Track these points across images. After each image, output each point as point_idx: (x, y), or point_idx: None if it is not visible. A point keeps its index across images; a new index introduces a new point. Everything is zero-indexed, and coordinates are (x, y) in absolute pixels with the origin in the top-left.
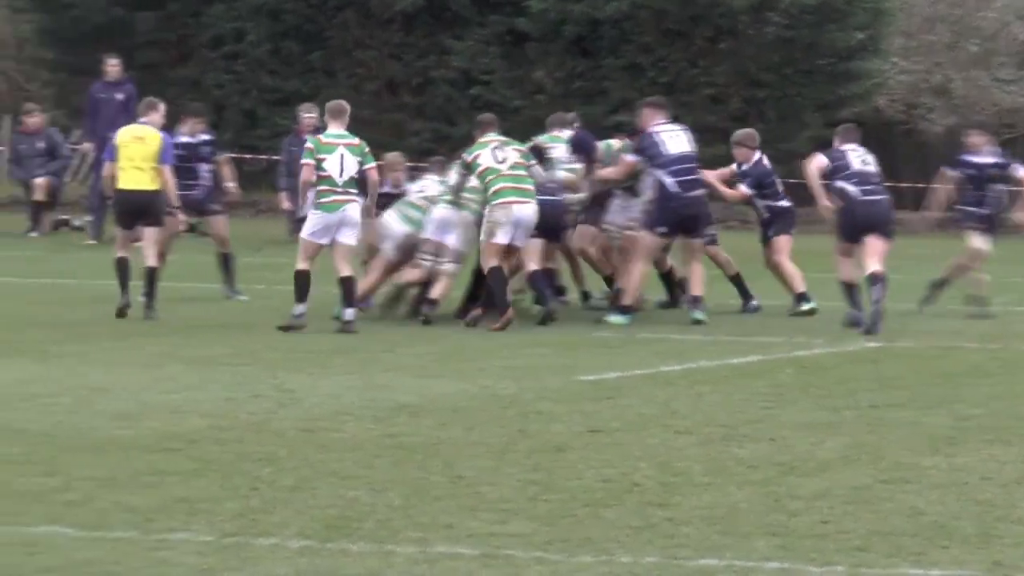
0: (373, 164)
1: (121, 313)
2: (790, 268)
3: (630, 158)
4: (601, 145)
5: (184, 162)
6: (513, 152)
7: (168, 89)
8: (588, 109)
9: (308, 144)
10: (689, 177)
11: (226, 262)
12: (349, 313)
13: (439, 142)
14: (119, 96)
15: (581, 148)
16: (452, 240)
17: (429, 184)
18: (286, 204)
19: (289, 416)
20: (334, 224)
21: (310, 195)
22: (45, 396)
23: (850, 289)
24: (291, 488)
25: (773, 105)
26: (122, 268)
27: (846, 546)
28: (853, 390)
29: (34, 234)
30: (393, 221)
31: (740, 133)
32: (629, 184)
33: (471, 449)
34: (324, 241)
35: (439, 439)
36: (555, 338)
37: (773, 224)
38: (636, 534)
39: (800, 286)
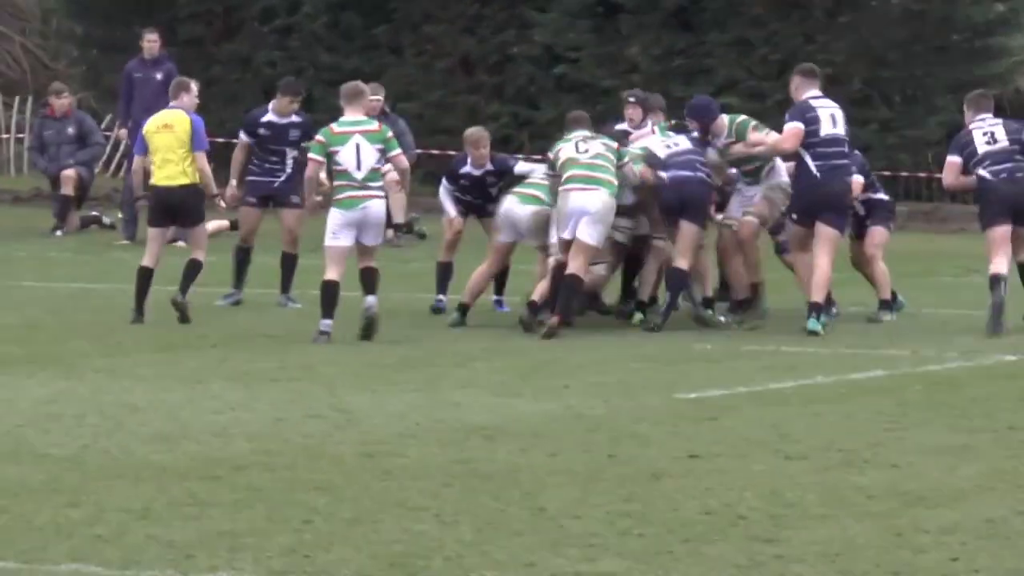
0: (398, 151)
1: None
2: (881, 267)
3: (798, 125)
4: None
5: (268, 144)
6: (600, 145)
7: (213, 67)
8: (689, 90)
9: (318, 136)
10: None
11: (287, 263)
12: (371, 300)
13: (520, 128)
14: (158, 76)
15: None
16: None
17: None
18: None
19: (347, 439)
20: (355, 223)
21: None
22: (72, 416)
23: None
24: (349, 521)
25: (899, 87)
26: (142, 280)
27: None
28: (990, 409)
29: (60, 233)
30: (513, 204)
31: None
32: (755, 168)
33: (554, 477)
34: (348, 243)
35: (518, 465)
36: (651, 351)
37: (870, 217)
38: (742, 573)
39: (886, 292)
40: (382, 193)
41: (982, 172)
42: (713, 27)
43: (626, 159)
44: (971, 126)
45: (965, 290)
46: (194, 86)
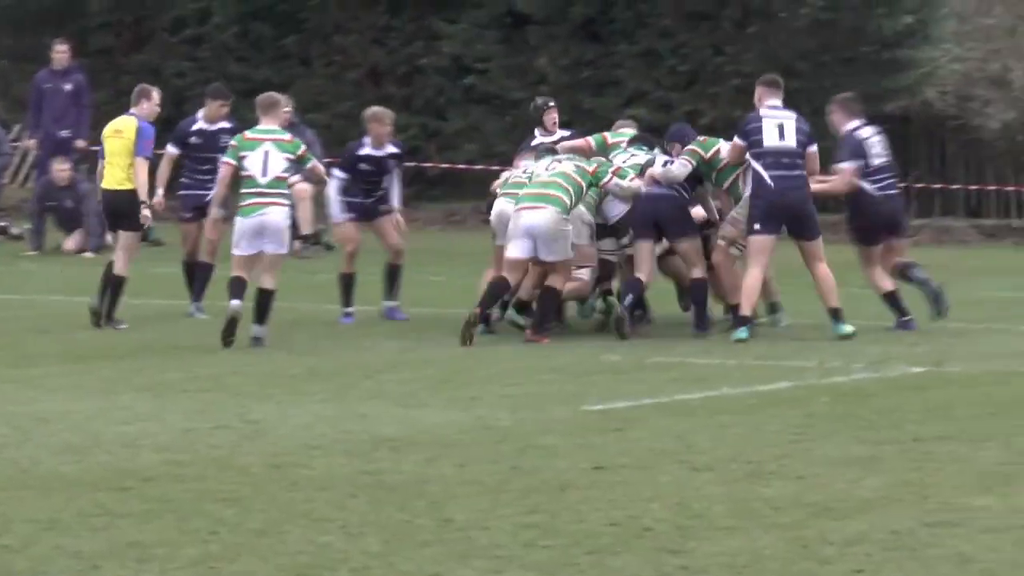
0: (314, 161)
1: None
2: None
3: (739, 141)
4: (592, 139)
5: (199, 153)
6: (570, 165)
7: (122, 78)
8: (598, 101)
9: (232, 142)
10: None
11: (198, 271)
12: (258, 330)
13: (429, 139)
14: (67, 86)
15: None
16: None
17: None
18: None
19: (255, 450)
20: (252, 231)
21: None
22: None
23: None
24: (257, 532)
25: (808, 98)
26: (187, 272)
27: None
28: (896, 421)
29: None
30: (508, 207)
31: None
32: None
33: (461, 488)
34: (249, 252)
35: (425, 477)
36: (560, 363)
37: None
38: None
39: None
40: (285, 201)
41: (756, 166)
42: (622, 38)
43: (607, 177)
44: (762, 112)
45: (872, 301)
46: (155, 94)
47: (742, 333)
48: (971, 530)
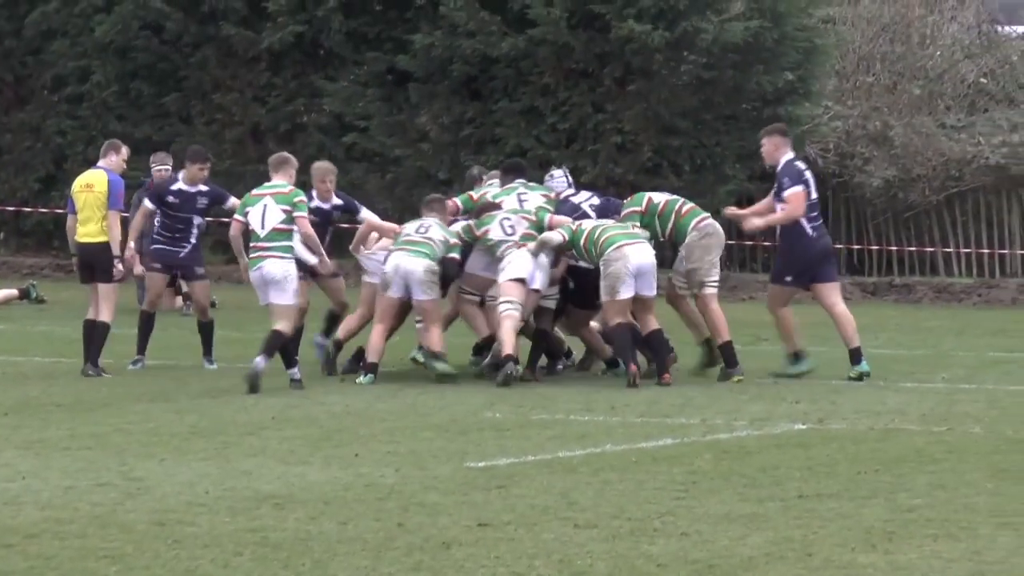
0: (303, 213)
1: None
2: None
3: (800, 189)
4: (458, 200)
5: (176, 212)
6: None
7: (3, 136)
8: (479, 159)
9: (240, 200)
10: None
11: (204, 330)
12: (257, 360)
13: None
14: None
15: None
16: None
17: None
18: (138, 269)
19: (137, 508)
20: (257, 283)
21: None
22: None
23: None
24: None
25: (688, 155)
26: (88, 332)
27: None
28: (779, 478)
29: None
30: (403, 259)
31: None
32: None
33: (345, 546)
34: (264, 303)
35: (308, 534)
36: (442, 420)
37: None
38: None
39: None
40: (283, 253)
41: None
42: (503, 96)
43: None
44: (798, 163)
45: (755, 358)
46: (124, 150)
47: (804, 366)
48: None
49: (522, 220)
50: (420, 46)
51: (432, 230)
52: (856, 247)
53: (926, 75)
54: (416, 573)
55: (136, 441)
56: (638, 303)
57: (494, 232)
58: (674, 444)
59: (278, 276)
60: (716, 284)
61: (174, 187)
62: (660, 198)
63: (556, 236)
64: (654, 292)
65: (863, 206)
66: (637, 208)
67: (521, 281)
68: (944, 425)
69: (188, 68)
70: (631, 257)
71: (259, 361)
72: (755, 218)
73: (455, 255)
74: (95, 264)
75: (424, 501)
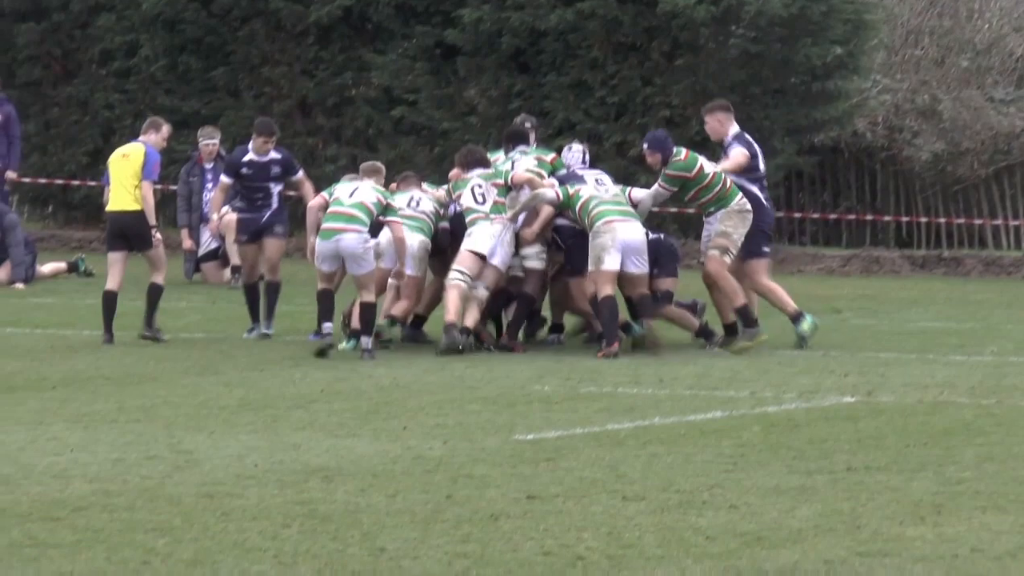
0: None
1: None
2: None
3: (745, 150)
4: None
5: (251, 182)
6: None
7: (51, 110)
8: None
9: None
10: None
11: (269, 291)
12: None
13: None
14: None
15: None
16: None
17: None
18: (187, 243)
19: (186, 480)
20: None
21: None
22: None
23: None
24: (188, 562)
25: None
26: (108, 302)
27: None
28: (828, 451)
29: None
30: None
31: None
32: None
33: (393, 518)
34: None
35: (357, 506)
36: (490, 393)
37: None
38: None
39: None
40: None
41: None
42: (551, 69)
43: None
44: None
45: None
46: (165, 128)
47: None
48: (904, 560)
49: (492, 188)
50: (469, 20)
51: (423, 203)
52: (905, 220)
53: (974, 48)
54: (464, 545)
55: (184, 414)
56: (626, 280)
57: (466, 199)
58: (723, 417)
59: (359, 249)
60: (731, 256)
61: (245, 159)
62: (710, 168)
63: (550, 193)
64: (640, 270)
65: (912, 180)
66: (686, 173)
67: (480, 256)
68: (993, 398)
69: (236, 42)
70: (619, 232)
71: (365, 341)
72: None
73: (444, 224)
74: (128, 233)
75: (472, 473)
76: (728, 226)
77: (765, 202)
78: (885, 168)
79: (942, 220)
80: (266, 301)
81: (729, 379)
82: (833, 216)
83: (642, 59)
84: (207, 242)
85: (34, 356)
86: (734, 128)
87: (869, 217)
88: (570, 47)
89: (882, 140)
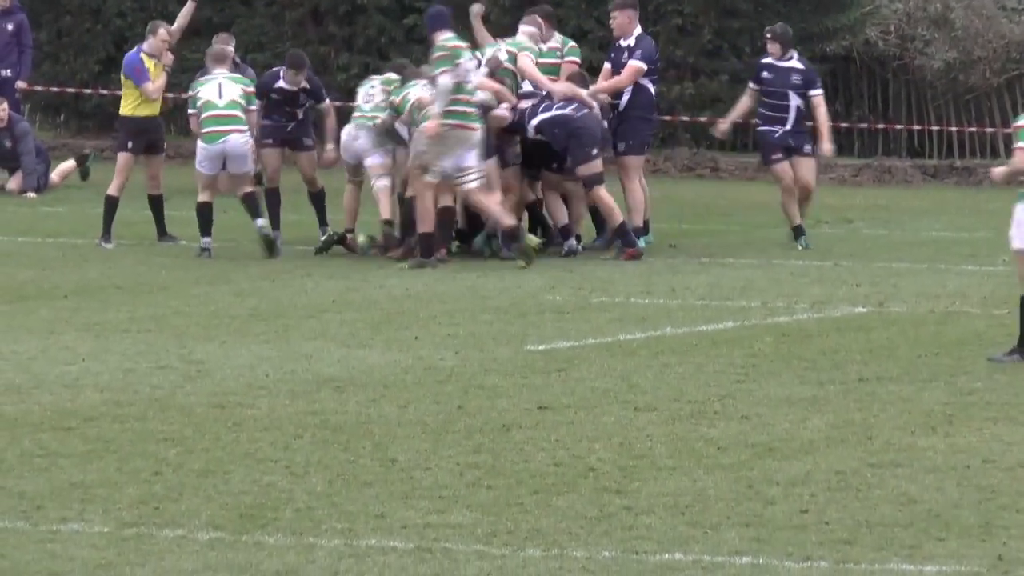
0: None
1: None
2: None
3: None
4: None
5: (282, 106)
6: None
7: (64, 18)
8: None
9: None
10: None
11: (315, 201)
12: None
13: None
14: (8, 26)
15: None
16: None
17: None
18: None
19: (197, 391)
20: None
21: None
22: None
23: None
24: (199, 472)
25: (749, 38)
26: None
27: (829, 538)
28: (840, 362)
29: None
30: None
31: None
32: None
33: (404, 429)
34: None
35: (368, 417)
36: (502, 303)
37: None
38: (591, 525)
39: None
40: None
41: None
42: None
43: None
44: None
45: (816, 240)
46: (162, 30)
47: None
48: (915, 470)
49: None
50: None
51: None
52: (916, 129)
53: None
54: (476, 456)
55: (196, 324)
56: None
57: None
58: (734, 327)
59: (243, 149)
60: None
61: (276, 85)
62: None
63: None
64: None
65: (923, 88)
66: None
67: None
68: (1005, 308)
69: None
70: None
71: (261, 223)
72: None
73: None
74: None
75: (484, 384)
76: None
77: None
78: (897, 77)
79: (954, 129)
80: (316, 210)
81: (741, 289)
82: (845, 125)
83: None
84: None
85: (45, 265)
86: (638, 29)
87: (881, 126)
88: None
89: (894, 49)
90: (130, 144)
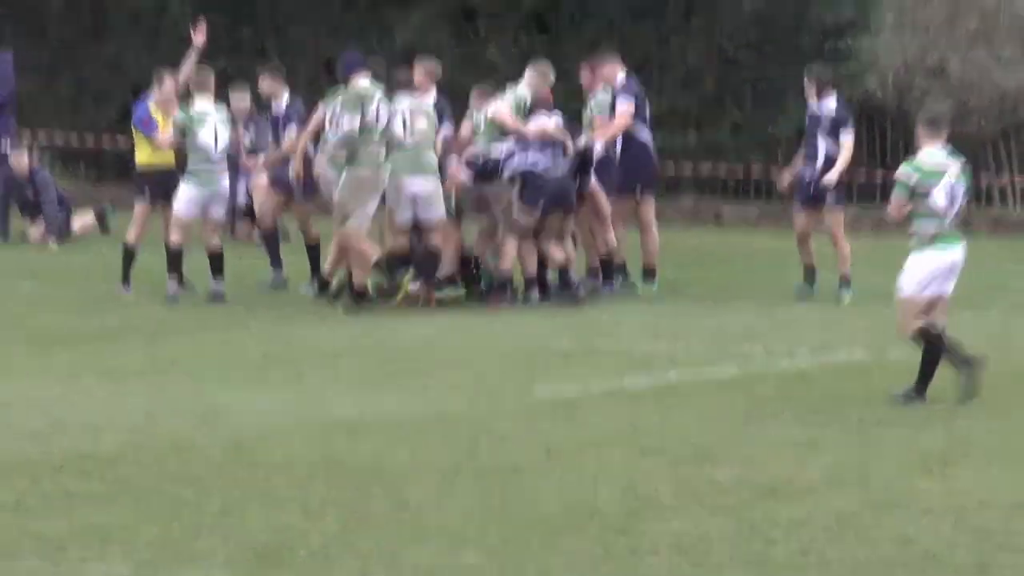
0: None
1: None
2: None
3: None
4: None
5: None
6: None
7: (84, 68)
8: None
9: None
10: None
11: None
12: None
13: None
14: None
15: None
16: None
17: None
18: None
19: (214, 433)
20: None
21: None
22: None
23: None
24: (216, 513)
25: (750, 88)
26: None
27: None
28: (839, 406)
29: None
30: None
31: None
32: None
33: (416, 471)
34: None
35: (381, 460)
36: (510, 348)
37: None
38: (597, 565)
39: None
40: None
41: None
42: (570, 29)
43: None
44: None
45: (824, 283)
46: (168, 82)
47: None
48: (913, 512)
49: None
50: None
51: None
52: None
53: (982, 10)
54: (486, 498)
55: (213, 368)
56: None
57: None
58: (737, 372)
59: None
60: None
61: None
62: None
63: None
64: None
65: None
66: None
67: None
68: (1000, 354)
69: (262, 2)
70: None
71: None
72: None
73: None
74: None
75: (493, 428)
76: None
77: (650, 145)
78: (895, 126)
79: None
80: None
81: (744, 335)
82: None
83: (658, 19)
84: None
85: (66, 312)
86: (621, 74)
87: (879, 174)
88: (588, 7)
89: (892, 99)
90: (146, 194)
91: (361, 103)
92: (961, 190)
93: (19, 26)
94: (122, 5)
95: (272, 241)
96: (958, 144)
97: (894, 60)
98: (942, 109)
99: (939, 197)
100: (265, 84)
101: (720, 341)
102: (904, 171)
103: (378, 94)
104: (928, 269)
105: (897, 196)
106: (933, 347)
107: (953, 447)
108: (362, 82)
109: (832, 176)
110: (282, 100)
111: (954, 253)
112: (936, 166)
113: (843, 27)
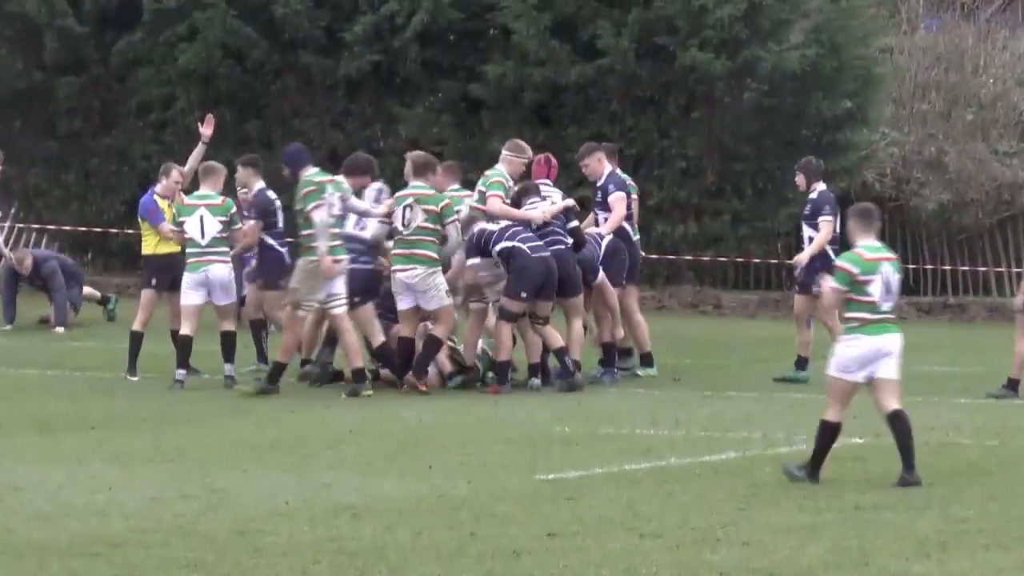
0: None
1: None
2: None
3: (623, 194)
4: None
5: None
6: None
7: (91, 160)
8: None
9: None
10: None
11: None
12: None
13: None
14: None
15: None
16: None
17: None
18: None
19: (219, 518)
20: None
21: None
22: None
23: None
24: None
25: (751, 179)
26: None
27: None
28: (837, 490)
29: None
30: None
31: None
32: None
33: (419, 554)
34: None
35: (384, 543)
36: (512, 434)
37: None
38: None
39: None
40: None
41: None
42: (572, 122)
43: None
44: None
45: (813, 375)
46: (175, 172)
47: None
48: None
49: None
50: (492, 75)
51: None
52: (912, 267)
53: (979, 103)
54: None
55: (218, 453)
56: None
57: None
58: (736, 457)
59: (226, 279)
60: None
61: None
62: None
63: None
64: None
65: (918, 228)
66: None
67: None
68: (996, 439)
69: (269, 95)
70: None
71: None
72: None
73: None
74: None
75: (495, 511)
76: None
77: (634, 236)
78: (893, 217)
79: (948, 268)
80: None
81: (743, 421)
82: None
83: (659, 112)
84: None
85: (74, 398)
86: (608, 168)
87: None
88: (590, 101)
89: (890, 190)
90: (153, 281)
91: (321, 192)
92: (896, 281)
93: (28, 118)
94: (129, 99)
95: (256, 331)
96: (956, 234)
97: (892, 152)
98: (871, 205)
99: (875, 289)
100: (240, 174)
101: (719, 427)
102: (846, 263)
103: (330, 185)
104: (852, 355)
105: (836, 285)
106: (897, 431)
107: (950, 532)
108: (314, 172)
109: (801, 257)
110: (252, 190)
111: (884, 340)
112: (874, 259)
113: (841, 120)
